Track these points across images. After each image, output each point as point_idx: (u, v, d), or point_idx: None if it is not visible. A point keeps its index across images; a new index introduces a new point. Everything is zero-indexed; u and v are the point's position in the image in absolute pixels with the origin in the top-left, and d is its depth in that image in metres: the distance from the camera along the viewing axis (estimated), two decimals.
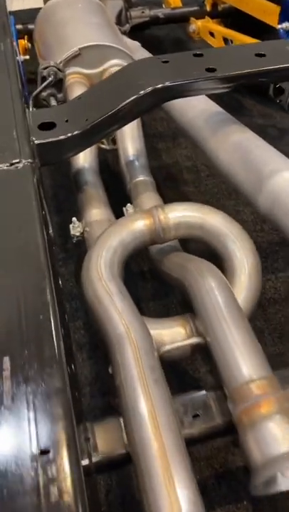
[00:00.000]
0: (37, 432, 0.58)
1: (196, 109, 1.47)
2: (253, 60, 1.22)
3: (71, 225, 1.29)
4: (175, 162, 2.81)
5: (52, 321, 0.72)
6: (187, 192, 2.59)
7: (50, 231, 1.00)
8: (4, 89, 1.28)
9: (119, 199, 1.64)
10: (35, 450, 0.56)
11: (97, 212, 1.27)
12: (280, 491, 0.73)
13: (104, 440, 0.79)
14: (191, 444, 0.79)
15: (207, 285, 0.90)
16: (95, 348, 1.83)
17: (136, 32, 2.93)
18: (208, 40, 2.94)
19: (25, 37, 2.45)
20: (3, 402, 0.62)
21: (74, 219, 1.27)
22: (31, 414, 0.61)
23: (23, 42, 2.42)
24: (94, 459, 0.77)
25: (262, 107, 3.19)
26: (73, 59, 1.61)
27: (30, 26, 2.37)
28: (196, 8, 3.09)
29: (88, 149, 1.49)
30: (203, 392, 0.85)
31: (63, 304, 0.84)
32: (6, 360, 0.67)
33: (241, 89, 3.25)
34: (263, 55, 1.24)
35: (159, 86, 1.15)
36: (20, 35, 2.45)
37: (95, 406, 1.66)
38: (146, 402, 0.76)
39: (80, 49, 1.60)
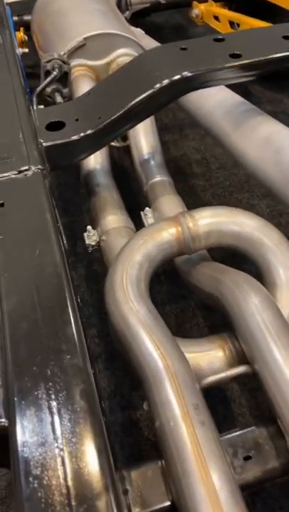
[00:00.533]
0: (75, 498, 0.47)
1: (214, 100, 1.34)
2: (282, 43, 1.10)
3: (85, 234, 1.18)
4: (183, 155, 2.69)
5: (81, 361, 0.62)
6: (198, 186, 2.47)
7: (64, 241, 0.89)
8: (6, 85, 1.16)
9: (133, 202, 1.53)
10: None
11: (113, 218, 1.16)
12: None
13: (145, 490, 0.68)
14: (245, 491, 0.69)
15: (250, 302, 0.79)
16: (112, 357, 1.73)
17: (135, 19, 2.79)
18: (213, 25, 2.79)
19: (21, 29, 2.31)
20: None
21: (89, 227, 1.16)
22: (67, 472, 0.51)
23: (20, 34, 2.28)
24: None
25: (271, 93, 3.05)
26: (77, 50, 1.48)
27: (27, 17, 2.23)
28: None
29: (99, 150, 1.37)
30: (253, 428, 0.74)
31: (85, 327, 0.74)
32: None
33: None
34: None
35: (177, 77, 1.03)
36: (16, 27, 2.31)
37: (114, 421, 1.56)
38: (194, 448, 0.65)
39: (84, 39, 1.47)
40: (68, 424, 0.55)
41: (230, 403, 1.63)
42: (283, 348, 0.73)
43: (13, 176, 0.93)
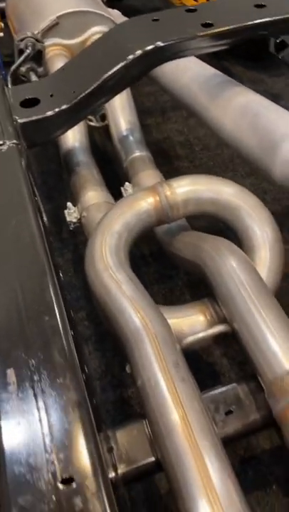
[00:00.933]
0: (57, 458, 0.49)
1: (190, 73, 1.34)
2: (253, 12, 1.10)
3: (66, 211, 1.18)
4: (166, 137, 2.68)
5: (59, 322, 0.62)
6: (182, 167, 2.47)
7: (44, 218, 0.89)
8: None
9: (115, 181, 1.53)
10: (57, 479, 0.47)
11: (93, 194, 1.16)
12: None
13: (129, 448, 0.70)
14: (227, 444, 0.71)
15: (228, 265, 0.80)
16: (102, 339, 1.74)
17: (113, 1, 2.76)
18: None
19: None
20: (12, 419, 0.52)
21: (69, 204, 1.16)
22: (46, 432, 0.52)
23: None
24: (120, 471, 0.68)
25: (252, 73, 3.05)
26: (51, 29, 1.46)
27: (1, 4, 2.20)
28: None
29: (77, 127, 1.36)
30: (234, 385, 0.76)
31: (66, 298, 0.74)
32: (11, 372, 0.57)
33: (229, 55, 3.11)
34: (264, 6, 1.11)
35: (150, 47, 1.03)
36: None
37: (106, 400, 1.58)
38: (175, 404, 0.67)
39: (58, 17, 1.46)
40: (48, 380, 0.56)
41: (219, 377, 1.66)
42: (260, 307, 0.75)
43: None
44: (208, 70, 1.33)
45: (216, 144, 2.48)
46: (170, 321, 0.80)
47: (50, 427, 0.51)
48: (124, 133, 1.34)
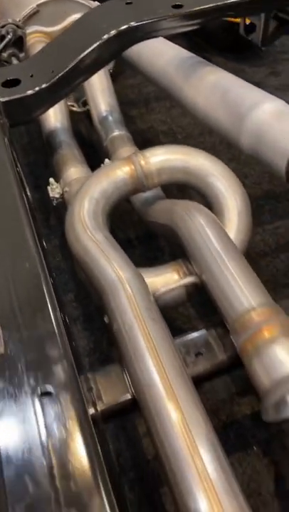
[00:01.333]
0: (36, 375, 0.55)
1: (166, 57, 1.41)
2: None
3: (49, 187, 1.24)
4: (150, 127, 2.74)
5: (39, 269, 0.68)
6: None
7: (28, 193, 0.95)
8: None
9: (96, 161, 1.59)
10: (37, 392, 0.53)
11: (75, 170, 1.22)
12: None
13: (108, 387, 0.76)
14: (198, 383, 0.77)
15: (196, 223, 0.87)
16: (90, 319, 1.80)
17: None
18: None
19: None
20: None
21: (51, 180, 1.21)
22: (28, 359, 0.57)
23: None
24: (99, 408, 0.74)
25: (233, 64, 3.12)
26: (32, 17, 1.52)
27: None
28: None
29: (58, 110, 1.43)
30: (204, 331, 0.82)
31: (50, 266, 0.79)
32: None
33: (211, 47, 3.19)
34: None
35: (124, 27, 1.09)
36: None
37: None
38: (147, 343, 0.73)
39: (38, 6, 1.51)
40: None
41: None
42: (226, 259, 0.81)
43: None
44: (182, 53, 1.39)
45: (198, 132, 2.55)
46: (146, 280, 0.86)
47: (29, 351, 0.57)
48: (104, 114, 1.40)
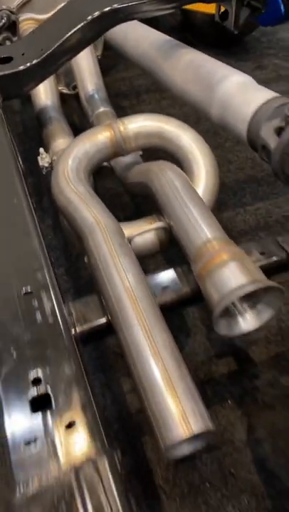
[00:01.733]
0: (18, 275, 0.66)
1: (148, 40, 1.52)
2: None
3: (39, 157, 1.35)
4: None
5: (36, 241, 0.77)
6: None
7: (20, 162, 1.06)
8: None
9: None
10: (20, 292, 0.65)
11: (63, 141, 1.33)
12: (240, 332, 0.83)
13: (86, 313, 0.87)
14: (165, 311, 0.88)
15: (167, 177, 0.98)
16: (79, 291, 1.90)
17: None
18: None
19: None
20: None
21: (41, 149, 1.33)
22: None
23: None
24: (78, 329, 0.85)
25: (220, 58, 3.25)
26: (25, 5, 1.64)
27: None
28: None
29: (49, 89, 1.54)
30: (171, 270, 0.94)
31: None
32: None
33: (200, 43, 3.32)
34: None
35: (107, 9, 1.21)
36: None
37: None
38: (120, 273, 0.84)
39: None
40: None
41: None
42: (190, 205, 0.93)
43: None
44: (163, 37, 1.51)
45: (184, 121, 2.68)
46: (123, 229, 0.97)
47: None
48: (91, 93, 1.51)
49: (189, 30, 3.34)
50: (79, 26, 1.21)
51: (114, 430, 1.51)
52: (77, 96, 1.74)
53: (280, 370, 1.61)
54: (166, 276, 0.93)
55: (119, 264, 0.85)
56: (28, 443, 0.50)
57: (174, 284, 0.91)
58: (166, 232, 0.98)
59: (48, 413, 0.52)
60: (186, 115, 2.77)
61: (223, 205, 2.34)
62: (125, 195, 1.97)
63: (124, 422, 1.52)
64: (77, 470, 0.47)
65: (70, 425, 0.51)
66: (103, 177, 1.62)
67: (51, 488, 0.46)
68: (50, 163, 1.34)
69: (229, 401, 1.55)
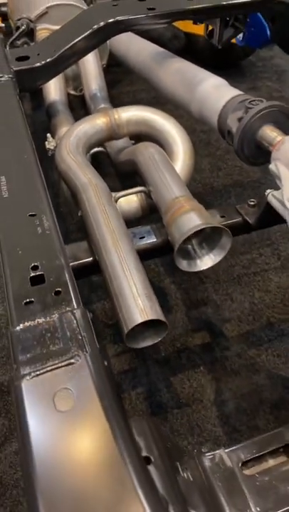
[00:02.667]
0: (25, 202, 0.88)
1: (146, 52, 1.79)
2: (185, 2, 1.55)
3: (46, 142, 1.58)
4: None
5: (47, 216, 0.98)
6: None
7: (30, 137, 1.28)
8: None
9: None
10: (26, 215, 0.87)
11: (67, 129, 1.57)
12: (197, 269, 1.04)
13: (77, 253, 1.08)
14: (141, 257, 1.08)
15: (149, 153, 1.21)
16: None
17: None
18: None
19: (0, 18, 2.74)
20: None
21: (48, 135, 1.56)
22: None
23: None
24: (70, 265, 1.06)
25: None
26: (42, 16, 1.91)
27: (3, 9, 2.66)
28: None
29: (58, 87, 1.80)
30: (148, 225, 1.15)
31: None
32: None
33: (200, 63, 3.63)
34: None
35: (110, 20, 1.46)
36: None
37: None
38: (106, 221, 1.05)
39: (47, 8, 1.90)
40: None
41: None
42: (165, 174, 1.15)
43: None
44: (159, 49, 1.77)
45: None
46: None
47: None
48: (94, 92, 1.76)
49: (192, 53, 3.65)
50: (86, 33, 1.46)
51: None
52: (81, 97, 2.00)
53: (248, 344, 1.81)
54: (143, 229, 1.15)
55: (106, 214, 1.06)
56: (26, 303, 0.71)
57: (148, 235, 1.13)
58: (146, 196, 1.21)
59: (42, 286, 0.74)
60: (182, 125, 3.05)
61: (210, 205, 2.58)
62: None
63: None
64: (60, 316, 0.68)
65: (57, 293, 0.72)
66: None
67: (41, 325, 0.67)
68: (55, 147, 1.57)
69: (201, 367, 1.75)
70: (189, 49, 3.85)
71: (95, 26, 1.47)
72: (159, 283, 2.08)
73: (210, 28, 1.75)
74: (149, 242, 1.12)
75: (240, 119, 1.17)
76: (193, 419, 1.60)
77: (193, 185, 2.58)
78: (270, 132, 1.12)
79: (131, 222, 1.29)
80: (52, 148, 1.58)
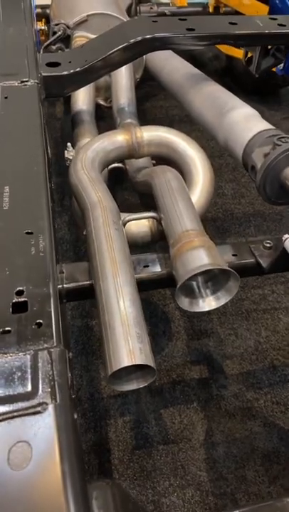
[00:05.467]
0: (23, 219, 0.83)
1: (180, 72, 1.74)
2: (226, 26, 1.50)
3: (66, 151, 1.54)
4: None
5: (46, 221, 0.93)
6: None
7: (47, 136, 1.23)
8: (20, 32, 1.56)
9: None
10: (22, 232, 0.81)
11: (88, 140, 1.52)
12: (198, 310, 0.96)
13: (74, 274, 1.02)
14: (141, 289, 1.02)
15: (166, 177, 1.15)
16: None
17: None
18: None
19: (43, 20, 2.74)
20: None
21: (69, 144, 1.52)
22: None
23: (41, 23, 2.71)
24: (65, 285, 1.00)
25: (254, 104, 3.49)
26: (81, 24, 1.88)
27: (47, 11, 2.65)
28: (199, 8, 3.39)
29: (87, 96, 1.76)
30: (154, 253, 1.09)
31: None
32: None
33: (240, 89, 3.59)
34: (235, 24, 1.51)
35: (148, 36, 1.42)
36: (38, 18, 2.73)
37: (73, 324, 1.89)
38: (108, 244, 0.99)
39: (87, 15, 1.88)
40: None
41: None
42: (180, 202, 1.09)
43: (16, 84, 1.31)
44: (193, 70, 1.73)
45: (209, 154, 2.89)
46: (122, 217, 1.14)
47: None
48: (122, 105, 1.72)
49: (232, 76, 3.59)
50: (121, 46, 1.42)
51: (84, 408, 1.63)
52: (110, 108, 1.96)
53: (247, 386, 1.72)
54: (149, 257, 1.08)
55: (110, 238, 1.00)
56: (3, 332, 0.65)
57: (152, 264, 1.06)
58: (157, 223, 1.14)
59: (23, 315, 0.68)
60: (211, 149, 2.99)
61: (227, 232, 2.51)
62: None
63: (94, 403, 1.64)
64: (36, 352, 0.62)
65: (38, 324, 0.66)
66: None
67: (13, 360, 0.61)
68: None
69: (194, 403, 1.66)
70: (229, 71, 3.80)
71: (132, 40, 1.42)
72: (164, 307, 2.01)
73: (249, 54, 1.70)
74: (152, 271, 1.06)
75: (266, 155, 1.10)
76: (178, 459, 1.51)
77: (213, 209, 2.51)
78: None
79: (138, 246, 1.23)
80: (70, 158, 1.53)
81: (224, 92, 1.50)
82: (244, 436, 1.58)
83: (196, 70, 1.75)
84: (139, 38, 1.42)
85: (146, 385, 0.81)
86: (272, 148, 1.09)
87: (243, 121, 1.27)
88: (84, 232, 1.11)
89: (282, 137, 1.10)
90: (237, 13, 2.98)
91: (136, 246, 1.22)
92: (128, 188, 2.27)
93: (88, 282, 1.02)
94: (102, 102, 1.94)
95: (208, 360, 1.81)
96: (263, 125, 1.21)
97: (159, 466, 1.50)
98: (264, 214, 2.57)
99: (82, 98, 1.71)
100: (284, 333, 1.93)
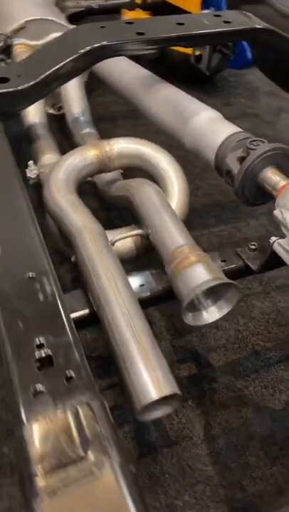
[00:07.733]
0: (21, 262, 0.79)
1: (130, 74, 1.71)
2: (175, 27, 1.49)
3: (27, 169, 1.47)
4: None
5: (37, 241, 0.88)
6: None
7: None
8: None
9: None
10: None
11: (50, 156, 1.47)
12: (203, 323, 0.98)
13: (72, 304, 0.99)
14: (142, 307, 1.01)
15: (146, 192, 1.14)
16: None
17: (72, 21, 3.14)
18: None
19: None
20: None
21: (30, 162, 1.46)
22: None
23: None
24: None
25: (194, 93, 3.54)
26: (20, 31, 1.79)
27: None
28: (127, 0, 3.34)
29: (38, 109, 1.69)
30: (148, 271, 1.09)
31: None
32: None
33: (172, 77, 3.61)
34: (183, 24, 1.51)
35: (97, 45, 1.38)
36: None
37: None
38: (104, 270, 0.97)
39: (25, 22, 1.79)
40: None
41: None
42: (165, 217, 1.09)
43: None
44: (144, 72, 1.71)
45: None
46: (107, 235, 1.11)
47: None
48: (76, 115, 1.67)
49: (165, 66, 3.60)
50: (72, 58, 1.37)
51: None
52: (60, 116, 1.90)
53: (235, 375, 1.78)
54: (143, 275, 1.08)
55: (104, 263, 0.99)
56: (35, 394, 0.62)
57: (148, 283, 1.06)
58: (144, 239, 1.14)
59: (51, 370, 0.65)
60: (159, 142, 3.00)
61: (190, 226, 2.55)
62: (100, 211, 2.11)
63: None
64: (76, 409, 0.60)
65: (68, 379, 0.64)
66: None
67: (55, 423, 0.59)
68: (37, 175, 1.47)
69: (189, 401, 1.69)
70: (163, 61, 3.80)
71: (81, 50, 1.38)
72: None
73: (197, 52, 1.71)
74: (150, 290, 1.05)
75: (241, 160, 1.13)
76: (184, 459, 1.55)
77: None
78: (272, 176, 1.08)
79: (125, 262, 1.22)
80: (33, 176, 1.48)
81: (181, 94, 1.50)
82: (240, 425, 1.64)
83: (145, 71, 1.73)
84: (88, 48, 1.38)
85: (172, 411, 0.81)
86: (246, 152, 1.11)
87: (210, 126, 1.28)
88: (72, 259, 1.08)
89: (254, 140, 1.13)
90: (166, 4, 2.97)
91: (123, 263, 1.21)
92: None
93: (88, 310, 1.00)
94: (51, 111, 1.88)
95: (194, 356, 1.85)
96: (230, 128, 1.23)
97: (166, 469, 1.52)
98: (221, 203, 2.63)
99: (33, 110, 1.64)
100: (259, 317, 2.01)
